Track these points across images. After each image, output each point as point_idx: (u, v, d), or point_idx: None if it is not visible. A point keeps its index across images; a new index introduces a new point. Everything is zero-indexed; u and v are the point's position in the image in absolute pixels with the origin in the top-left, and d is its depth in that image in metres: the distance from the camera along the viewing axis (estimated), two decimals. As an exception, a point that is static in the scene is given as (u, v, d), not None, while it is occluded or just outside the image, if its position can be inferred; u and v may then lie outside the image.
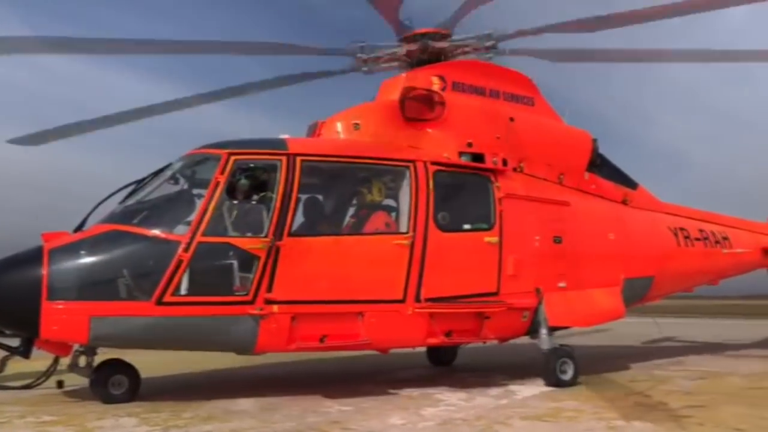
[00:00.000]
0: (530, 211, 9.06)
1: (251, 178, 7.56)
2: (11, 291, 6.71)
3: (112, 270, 6.89)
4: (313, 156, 7.80)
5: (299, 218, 7.64)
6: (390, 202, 8.27)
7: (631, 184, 11.22)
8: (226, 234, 7.22)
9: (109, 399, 7.08)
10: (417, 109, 8.93)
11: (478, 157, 9.07)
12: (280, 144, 7.80)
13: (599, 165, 10.56)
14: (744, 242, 12.30)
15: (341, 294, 7.51)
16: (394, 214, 8.16)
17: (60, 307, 6.69)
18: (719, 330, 19.05)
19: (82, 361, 7.40)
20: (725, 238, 12.01)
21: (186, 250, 6.94)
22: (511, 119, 9.55)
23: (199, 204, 7.28)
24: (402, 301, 7.81)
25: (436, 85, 9.24)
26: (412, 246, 7.87)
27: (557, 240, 9.23)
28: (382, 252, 7.79)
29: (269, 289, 7.14)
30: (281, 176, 7.45)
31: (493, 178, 8.88)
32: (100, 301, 6.79)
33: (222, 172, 7.33)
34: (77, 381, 7.80)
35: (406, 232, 7.92)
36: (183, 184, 7.94)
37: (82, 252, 6.95)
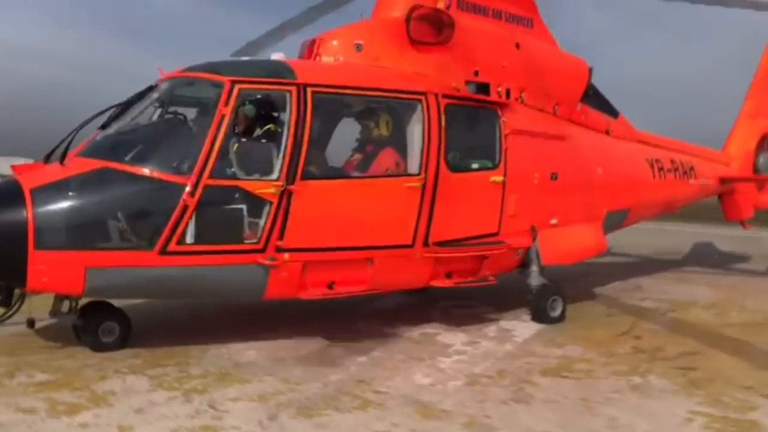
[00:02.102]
0: (532, 148, 8.77)
1: (258, 112, 6.78)
2: None
3: (108, 215, 6.10)
4: (325, 87, 7.02)
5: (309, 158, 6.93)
6: (398, 138, 7.68)
7: (614, 112, 11.08)
8: (235, 177, 6.51)
9: (99, 347, 6.50)
10: (424, 30, 8.19)
11: (482, 87, 8.57)
12: (287, 71, 6.96)
13: (590, 94, 10.29)
14: (706, 172, 12.65)
15: (351, 240, 7.08)
16: (403, 153, 7.61)
17: (51, 256, 5.90)
18: (660, 239, 20.09)
19: (65, 305, 6.71)
20: (691, 169, 12.28)
21: (192, 194, 6.22)
22: (517, 45, 9.00)
23: (201, 140, 6.44)
24: (411, 246, 7.49)
25: (441, 2, 8.48)
26: (423, 188, 7.45)
27: (554, 176, 9.06)
28: (393, 195, 7.33)
29: (280, 236, 6.61)
30: (292, 111, 6.71)
31: (500, 112, 8.43)
32: (97, 250, 6.04)
33: (226, 104, 6.49)
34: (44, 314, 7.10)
35: (418, 174, 7.46)
36: (175, 113, 7.02)
37: (72, 193, 6.07)
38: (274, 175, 6.58)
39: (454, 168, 7.76)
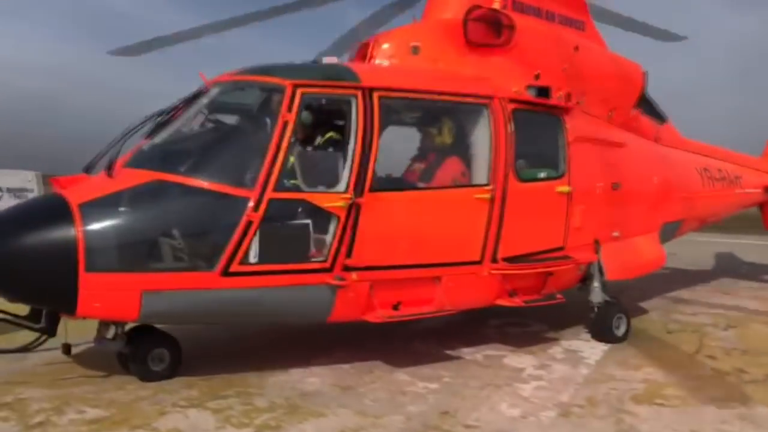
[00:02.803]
0: (595, 156, 8.28)
1: (323, 118, 6.24)
2: (36, 259, 5.23)
3: (165, 233, 5.51)
4: (391, 91, 6.49)
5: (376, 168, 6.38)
6: (464, 145, 7.16)
7: (661, 118, 10.62)
8: (300, 189, 5.95)
9: (149, 376, 5.91)
10: (482, 31, 7.70)
11: (543, 92, 8.04)
12: (349, 74, 6.42)
13: (644, 100, 9.83)
14: (752, 182, 12.22)
15: (419, 257, 6.54)
16: (470, 161, 7.08)
17: (104, 279, 5.31)
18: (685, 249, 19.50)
19: (110, 331, 6.10)
20: (737, 177, 11.84)
21: (256, 209, 5.65)
22: (576, 48, 8.51)
23: (263, 149, 5.88)
24: (479, 263, 6.95)
25: (496, 2, 7.98)
26: (492, 200, 6.91)
27: (616, 186, 8.56)
28: (461, 208, 6.80)
29: (348, 254, 6.05)
30: (359, 117, 6.17)
31: (563, 118, 7.92)
32: (154, 272, 5.45)
33: (289, 109, 5.93)
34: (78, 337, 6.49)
35: (487, 184, 6.93)
36: (230, 120, 6.47)
37: (125, 209, 5.50)
38: (341, 187, 6.03)
39: (522, 178, 7.23)
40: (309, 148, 6.16)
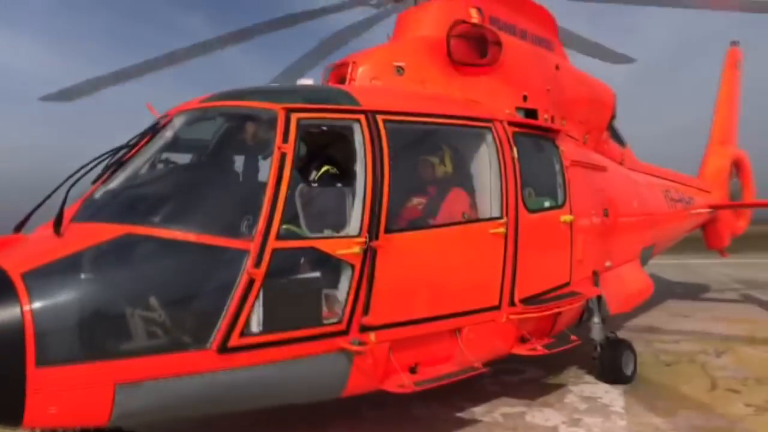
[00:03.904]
0: (587, 181, 7.68)
1: (321, 148, 5.16)
2: None
3: (142, 304, 4.15)
4: (394, 114, 5.51)
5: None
6: (470, 174, 6.28)
7: (622, 142, 10.30)
8: (306, 235, 4.79)
9: None
10: (467, 50, 6.93)
11: (531, 114, 7.38)
12: (346, 97, 5.40)
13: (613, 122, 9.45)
14: (701, 202, 12.19)
15: (439, 307, 5.54)
16: (479, 192, 6.20)
17: (62, 375, 3.89)
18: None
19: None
20: (691, 198, 11.76)
21: (257, 263, 4.43)
22: (557, 67, 7.95)
23: (258, 188, 4.72)
24: (498, 308, 6.03)
25: (475, 19, 7.26)
26: (506, 234, 6.05)
27: (606, 213, 7.98)
28: (478, 245, 5.88)
29: (365, 310, 4.94)
30: (366, 144, 5.14)
31: (557, 142, 7.26)
32: (129, 357, 4.08)
33: (285, 139, 4.80)
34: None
35: (500, 217, 6.06)
36: (208, 153, 5.24)
37: (85, 276, 4.09)
38: (353, 230, 4.94)
39: (530, 208, 6.43)
40: (310, 185, 5.03)
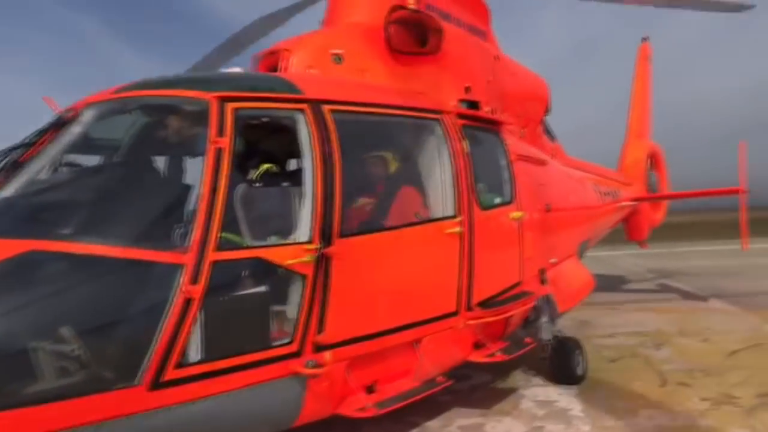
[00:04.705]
0: (531, 175, 7.38)
1: (260, 143, 4.50)
2: None
3: (53, 338, 3.35)
4: (341, 104, 4.92)
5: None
6: (423, 170, 5.77)
7: (553, 136, 10.16)
8: (248, 244, 4.12)
9: None
10: (407, 38, 6.43)
11: (474, 107, 6.98)
12: (285, 84, 4.76)
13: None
14: (625, 195, 12.30)
15: (400, 317, 5.01)
16: (431, 189, 5.71)
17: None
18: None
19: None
20: (617, 192, 11.83)
21: (194, 279, 3.73)
22: (496, 58, 7.62)
23: (191, 190, 4.02)
24: (456, 314, 5.57)
25: (413, 4, 6.79)
26: (461, 234, 5.60)
27: (548, 208, 7.72)
28: (435, 246, 5.40)
29: (320, 327, 4.33)
30: (314, 138, 4.52)
31: (502, 135, 6.91)
32: (37, 404, 3.28)
33: (220, 132, 4.11)
34: None
35: (454, 216, 5.60)
36: (127, 152, 4.44)
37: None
38: (303, 235, 4.31)
39: (483, 205, 6.02)
40: (250, 185, 4.35)
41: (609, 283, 16.27)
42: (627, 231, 13.72)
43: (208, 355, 3.78)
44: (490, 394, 6.99)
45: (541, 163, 7.96)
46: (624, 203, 12.06)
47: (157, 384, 3.59)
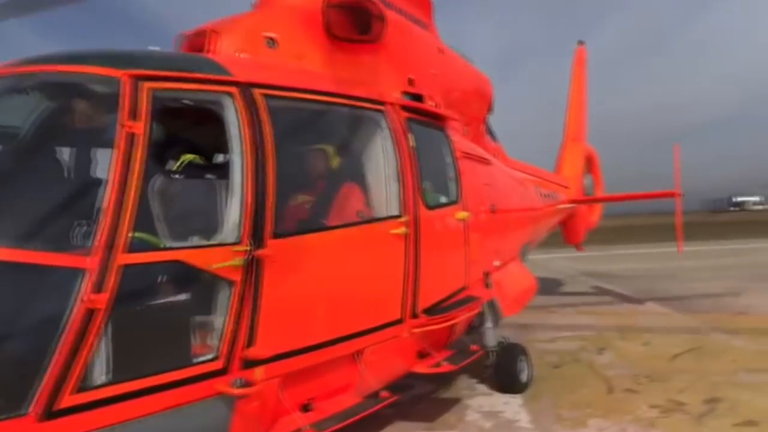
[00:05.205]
0: (475, 174, 7.04)
1: (182, 130, 3.94)
2: None
3: None
4: (277, 89, 4.39)
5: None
6: (365, 165, 5.30)
7: (495, 137, 9.90)
8: (167, 245, 3.55)
9: None
10: (347, 24, 5.95)
11: (417, 100, 6.58)
12: (213, 66, 4.21)
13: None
14: (563, 197, 12.20)
15: (340, 327, 4.52)
16: (373, 186, 5.25)
17: None
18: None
19: None
20: (556, 194, 11.69)
21: (98, 287, 3.14)
22: (440, 50, 7.25)
23: (97, 182, 3.43)
24: (400, 321, 5.13)
25: None
26: (406, 235, 5.17)
27: (493, 208, 7.40)
28: (379, 249, 4.95)
29: (250, 340, 3.80)
30: (242, 125, 3.98)
31: (447, 131, 6.54)
32: None
33: (133, 115, 3.52)
34: None
35: (399, 215, 5.16)
36: (20, 138, 3.78)
37: None
38: (231, 235, 3.78)
39: (429, 204, 5.61)
40: (169, 177, 3.78)
41: (545, 286, 16.22)
42: (564, 234, 13.66)
43: (116, 376, 3.20)
44: (433, 405, 6.61)
45: (485, 162, 7.64)
46: (563, 205, 11.95)
47: (50, 413, 2.99)
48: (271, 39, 5.42)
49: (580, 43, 15.28)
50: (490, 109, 8.67)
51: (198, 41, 5.28)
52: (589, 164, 14.44)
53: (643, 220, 42.42)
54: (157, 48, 4.69)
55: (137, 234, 3.40)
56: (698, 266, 18.09)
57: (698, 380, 6.99)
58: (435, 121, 6.32)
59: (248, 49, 5.29)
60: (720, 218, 53.26)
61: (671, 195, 11.72)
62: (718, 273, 16.76)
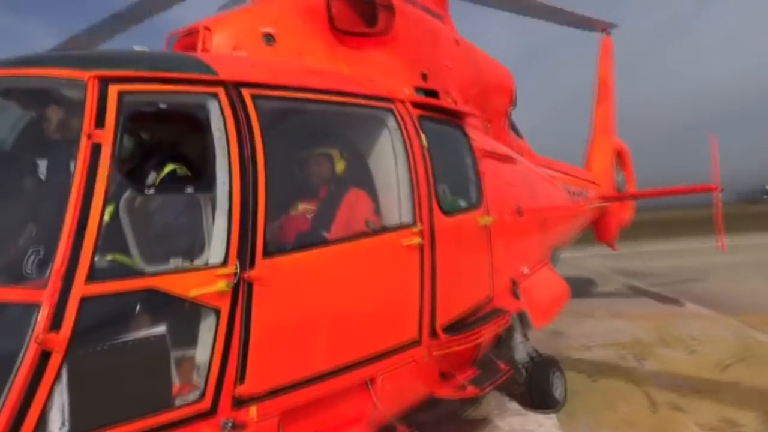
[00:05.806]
0: (499, 175, 6.49)
1: (167, 137, 3.49)
2: None
3: None
4: (267, 89, 3.91)
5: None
6: (371, 170, 4.80)
7: (519, 133, 9.33)
8: (139, 270, 3.08)
9: None
10: (352, 16, 5.49)
11: (432, 96, 6.06)
12: (195, 64, 3.73)
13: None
14: (594, 195, 11.54)
15: (346, 353, 4.01)
16: (382, 192, 4.73)
17: None
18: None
19: None
20: (586, 192, 11.04)
21: (55, 324, 2.69)
22: (457, 42, 6.72)
23: (55, 200, 2.98)
24: (418, 343, 4.61)
25: None
26: (421, 246, 4.65)
27: (520, 210, 6.84)
28: (390, 262, 4.42)
29: (241, 376, 3.32)
30: (228, 130, 3.50)
31: (465, 129, 6.00)
32: None
33: (99, 122, 3.06)
34: None
35: (413, 223, 4.64)
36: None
37: None
38: (216, 257, 3.30)
39: (446, 210, 5.07)
40: (143, 191, 3.32)
41: (576, 287, 15.48)
42: (596, 232, 12.97)
43: (78, 427, 2.73)
44: (460, 427, 6.10)
45: (509, 160, 7.08)
46: (595, 204, 11.29)
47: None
48: (269, 35, 4.99)
49: (606, 33, 14.54)
50: (512, 103, 8.11)
51: (190, 40, 4.87)
52: (620, 159, 13.73)
53: (674, 214, 41.08)
54: (144, 48, 4.25)
55: (105, 259, 2.95)
56: (739, 262, 17.15)
57: (752, 394, 6.35)
58: (451, 118, 5.78)
59: (244, 46, 4.87)
60: (756, 209, 51.46)
61: (710, 189, 11.01)
62: (762, 269, 15.85)
